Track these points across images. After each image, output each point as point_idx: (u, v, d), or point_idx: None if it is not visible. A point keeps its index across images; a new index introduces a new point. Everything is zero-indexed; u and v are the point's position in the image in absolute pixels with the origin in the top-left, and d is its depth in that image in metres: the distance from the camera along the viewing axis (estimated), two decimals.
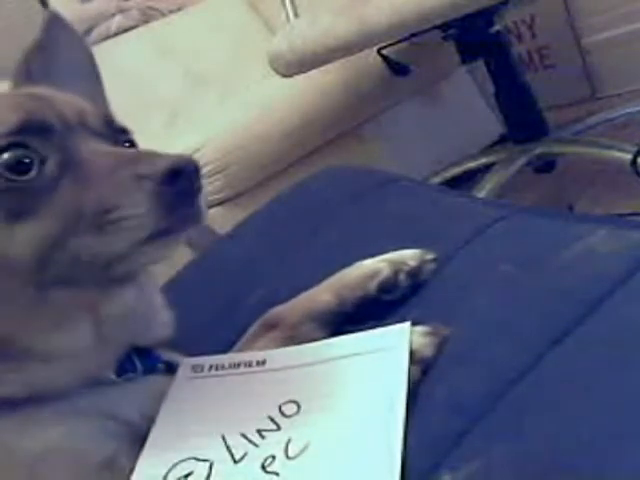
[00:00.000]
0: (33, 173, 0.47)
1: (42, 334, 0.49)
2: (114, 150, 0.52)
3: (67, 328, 0.50)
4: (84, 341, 0.51)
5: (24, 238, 0.47)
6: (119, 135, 0.56)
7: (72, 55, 0.64)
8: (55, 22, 0.64)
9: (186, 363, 0.56)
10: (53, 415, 0.49)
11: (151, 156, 0.48)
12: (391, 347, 0.50)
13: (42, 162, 0.48)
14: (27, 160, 0.47)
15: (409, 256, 0.60)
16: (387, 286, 0.58)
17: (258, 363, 0.53)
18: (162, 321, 0.58)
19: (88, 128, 0.52)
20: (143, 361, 0.54)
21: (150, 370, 0.54)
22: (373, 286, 0.58)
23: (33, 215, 0.47)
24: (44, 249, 0.47)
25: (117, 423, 0.50)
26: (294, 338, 0.57)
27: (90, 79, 0.64)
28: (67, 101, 0.53)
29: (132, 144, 0.57)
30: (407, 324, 0.51)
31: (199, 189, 0.49)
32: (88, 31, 2.31)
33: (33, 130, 0.48)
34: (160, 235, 0.47)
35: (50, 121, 0.49)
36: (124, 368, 0.52)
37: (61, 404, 0.49)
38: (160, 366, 0.55)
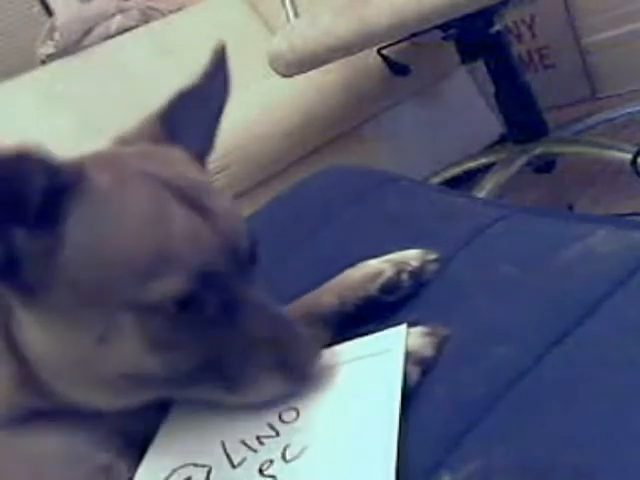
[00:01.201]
0: (193, 311, 0.46)
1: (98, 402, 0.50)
2: (265, 314, 0.49)
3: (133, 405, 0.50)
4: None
5: (157, 366, 0.47)
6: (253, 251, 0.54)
7: (215, 101, 0.60)
8: (221, 59, 0.59)
9: None
10: (56, 423, 0.50)
11: (296, 343, 0.48)
12: (387, 350, 0.50)
13: (204, 304, 0.47)
14: (193, 300, 0.46)
15: (411, 256, 0.60)
16: (389, 287, 0.58)
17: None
18: None
19: (242, 259, 0.50)
20: None
21: None
22: (376, 287, 0.58)
23: (174, 347, 0.47)
24: (171, 382, 0.48)
25: (116, 432, 0.50)
26: None
27: (216, 123, 0.61)
28: (233, 229, 0.50)
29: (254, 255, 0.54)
30: (403, 326, 0.51)
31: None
32: (88, 31, 2.31)
33: (207, 280, 0.47)
34: None
35: (223, 270, 0.48)
36: None
37: (65, 415, 0.50)
38: None
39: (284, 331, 0.48)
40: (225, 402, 0.49)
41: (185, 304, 0.46)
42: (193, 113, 0.58)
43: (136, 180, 0.48)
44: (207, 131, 0.60)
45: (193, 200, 0.48)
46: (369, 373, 0.49)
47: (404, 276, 0.59)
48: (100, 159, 0.52)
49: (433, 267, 0.60)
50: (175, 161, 0.53)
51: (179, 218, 0.47)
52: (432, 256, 0.60)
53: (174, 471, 0.47)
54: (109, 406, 0.50)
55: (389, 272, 0.59)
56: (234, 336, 0.48)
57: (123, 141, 0.57)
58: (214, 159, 1.99)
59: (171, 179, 0.49)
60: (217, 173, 1.66)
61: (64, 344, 0.47)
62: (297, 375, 0.48)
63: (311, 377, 0.49)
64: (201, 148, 0.59)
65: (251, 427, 0.48)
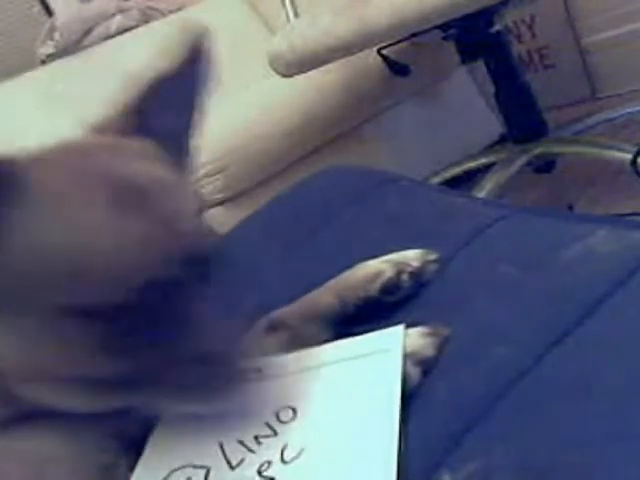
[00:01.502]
0: (134, 318, 0.44)
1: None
2: (209, 327, 0.46)
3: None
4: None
5: (104, 370, 0.46)
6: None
7: (194, 88, 0.55)
8: (203, 42, 0.54)
9: None
10: (49, 426, 0.49)
11: (226, 366, 0.46)
12: (385, 350, 0.49)
13: (148, 311, 0.44)
14: (135, 307, 0.44)
15: (412, 257, 0.60)
16: (390, 287, 0.58)
17: (254, 371, 0.53)
18: None
19: (198, 273, 0.47)
20: None
21: None
22: (376, 287, 0.58)
23: (116, 353, 0.45)
24: (122, 387, 0.46)
25: (113, 433, 0.50)
26: (298, 340, 0.57)
27: (196, 112, 0.56)
28: (189, 236, 0.47)
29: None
30: (401, 327, 0.51)
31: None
32: (88, 31, 2.31)
33: (153, 287, 0.44)
34: None
35: (170, 278, 0.44)
36: None
37: (57, 418, 0.49)
38: None
39: (218, 347, 0.46)
40: (177, 411, 0.48)
41: (126, 310, 0.44)
42: (169, 102, 0.53)
43: (86, 179, 0.45)
44: (185, 122, 0.56)
45: (148, 202, 0.45)
46: (368, 372, 0.49)
47: (404, 277, 0.58)
48: (54, 153, 0.48)
49: (433, 267, 0.60)
50: (138, 157, 0.49)
51: (128, 222, 0.44)
52: (432, 256, 0.60)
53: (172, 472, 0.47)
54: (77, 409, 0.48)
55: (389, 272, 0.58)
56: (174, 346, 0.46)
57: (94, 129, 0.53)
58: (214, 159, 2.00)
59: (126, 178, 0.46)
60: (217, 173, 1.66)
61: (15, 349, 0.46)
62: (218, 395, 0.47)
63: (233, 397, 0.47)
64: (179, 141, 0.55)
65: (248, 426, 0.48)
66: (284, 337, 0.58)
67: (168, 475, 0.47)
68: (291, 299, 0.61)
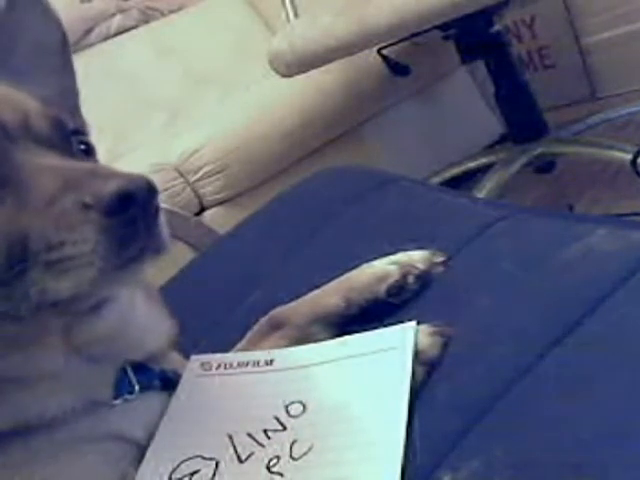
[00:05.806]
0: None
1: (10, 361, 0.45)
2: (58, 167, 0.44)
3: (37, 355, 0.46)
4: (57, 365, 0.47)
5: None
6: (72, 138, 0.49)
7: (40, 36, 0.55)
8: None
9: (194, 360, 0.56)
10: (59, 443, 0.47)
11: (99, 177, 0.42)
12: (396, 347, 0.50)
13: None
14: None
15: (418, 258, 0.59)
16: (396, 289, 0.58)
17: (266, 362, 0.53)
18: (158, 332, 0.55)
19: (32, 134, 0.45)
20: (139, 379, 0.51)
21: (147, 387, 0.52)
22: (382, 290, 0.58)
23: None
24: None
25: (123, 443, 0.49)
26: (301, 339, 0.57)
27: (59, 65, 0.56)
28: (6, 100, 0.46)
29: (88, 146, 0.51)
30: (412, 323, 0.51)
31: (155, 214, 0.44)
32: (88, 31, 2.32)
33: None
34: (115, 270, 0.42)
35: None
36: (121, 389, 0.50)
37: (65, 432, 0.47)
38: (156, 383, 0.53)
39: (87, 178, 0.43)
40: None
41: None
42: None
43: None
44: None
45: None
46: (377, 370, 0.49)
47: (410, 279, 0.58)
48: None
49: (439, 269, 0.59)
50: None
51: None
52: (439, 258, 0.60)
53: (181, 463, 0.47)
54: None
55: (395, 275, 0.58)
56: (31, 217, 0.42)
57: None
58: (214, 159, 1.99)
59: None
60: (217, 173, 1.66)
61: None
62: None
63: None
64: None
65: (258, 419, 0.48)
66: (289, 335, 0.58)
67: (178, 465, 0.47)
68: (291, 298, 0.61)
